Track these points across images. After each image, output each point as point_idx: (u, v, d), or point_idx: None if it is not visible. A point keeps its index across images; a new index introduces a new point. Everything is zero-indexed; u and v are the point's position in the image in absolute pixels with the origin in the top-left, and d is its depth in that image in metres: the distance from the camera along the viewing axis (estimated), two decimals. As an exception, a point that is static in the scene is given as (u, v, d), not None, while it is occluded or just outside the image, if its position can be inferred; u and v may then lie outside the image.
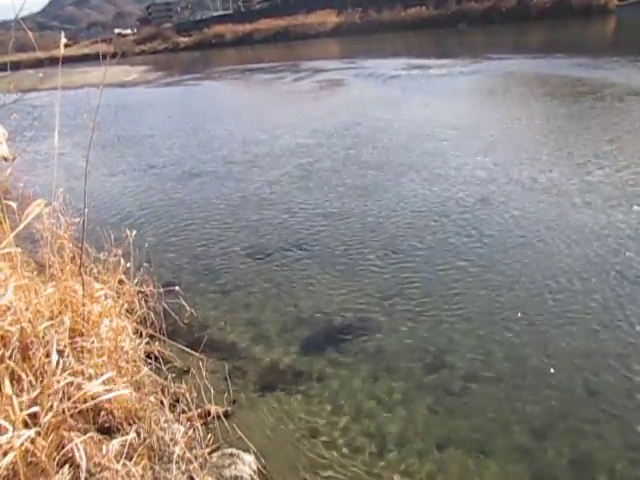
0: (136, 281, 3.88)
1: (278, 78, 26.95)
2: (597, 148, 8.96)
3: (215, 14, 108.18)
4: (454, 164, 8.74)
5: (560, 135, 10.12)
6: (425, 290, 5.07)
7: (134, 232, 3.72)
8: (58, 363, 2.64)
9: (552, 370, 3.83)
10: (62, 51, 3.13)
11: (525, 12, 51.90)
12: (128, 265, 3.74)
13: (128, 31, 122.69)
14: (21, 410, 2.21)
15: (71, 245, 3.52)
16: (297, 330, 4.64)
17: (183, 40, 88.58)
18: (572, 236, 5.87)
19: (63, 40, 3.11)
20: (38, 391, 2.41)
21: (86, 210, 3.40)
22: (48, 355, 2.69)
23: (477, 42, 38.76)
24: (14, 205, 3.22)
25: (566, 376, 3.77)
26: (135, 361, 3.17)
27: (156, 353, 3.81)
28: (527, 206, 6.80)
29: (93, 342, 2.83)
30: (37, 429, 2.24)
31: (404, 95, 17.08)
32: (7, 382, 2.37)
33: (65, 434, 2.40)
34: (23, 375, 2.49)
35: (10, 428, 2.08)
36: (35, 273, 4.04)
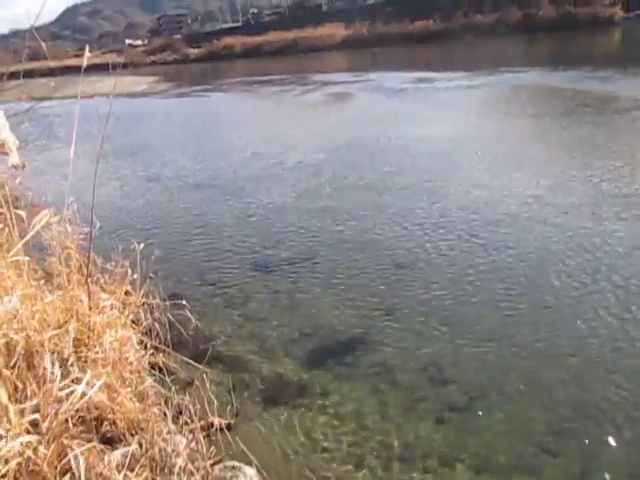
0: (142, 292, 3.89)
1: (286, 91, 27.13)
2: (606, 161, 8.93)
3: (225, 26, 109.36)
4: (462, 181, 8.69)
5: (569, 149, 10.11)
6: (430, 305, 5.04)
7: (142, 244, 3.74)
8: (62, 372, 2.65)
9: (561, 388, 3.79)
10: (85, 63, 3.17)
11: (531, 25, 52.20)
12: (134, 276, 3.75)
13: (139, 42, 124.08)
14: (22, 418, 2.22)
15: (78, 255, 3.54)
16: (301, 343, 4.62)
17: (193, 51, 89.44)
18: (583, 251, 5.83)
19: (87, 54, 3.15)
20: (41, 399, 2.41)
21: (94, 220, 3.43)
22: (53, 364, 2.70)
23: (484, 55, 38.94)
24: (23, 214, 3.24)
25: (575, 393, 3.73)
26: (139, 372, 3.17)
27: (160, 364, 3.81)
28: (536, 221, 6.77)
29: (98, 352, 2.84)
30: (38, 437, 2.24)
31: (411, 109, 17.14)
32: (8, 390, 2.38)
33: (67, 443, 2.40)
34: (27, 383, 2.50)
35: (9, 434, 2.09)
36: (42, 282, 4.05)
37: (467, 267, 5.70)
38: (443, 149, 10.90)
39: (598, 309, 4.69)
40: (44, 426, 2.29)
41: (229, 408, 3.65)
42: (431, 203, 7.72)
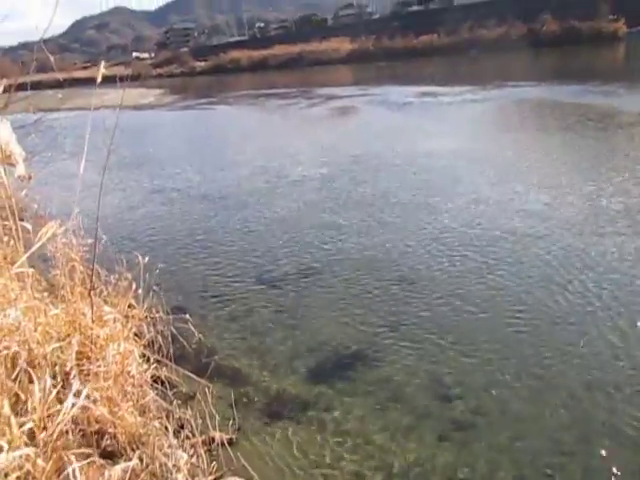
0: (145, 305, 3.89)
1: (292, 104, 27.31)
2: (610, 176, 8.93)
3: (231, 40, 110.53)
4: (466, 196, 8.67)
5: (572, 164, 10.11)
6: (435, 321, 5.02)
7: (146, 258, 3.74)
8: (64, 385, 2.65)
9: (565, 409, 3.75)
10: (99, 78, 3.20)
11: (535, 39, 52.48)
12: (138, 289, 3.75)
13: (146, 55, 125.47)
14: (22, 431, 2.21)
15: (82, 267, 3.55)
16: (304, 358, 4.60)
17: (199, 64, 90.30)
18: (588, 268, 5.80)
19: (102, 71, 3.18)
20: (41, 412, 2.41)
21: (99, 232, 3.44)
22: (55, 377, 2.69)
23: (488, 69, 39.16)
24: (29, 226, 3.26)
25: (579, 415, 3.69)
26: (141, 386, 3.16)
27: (162, 378, 3.79)
28: (540, 237, 6.75)
29: (100, 365, 2.84)
30: (36, 449, 2.23)
31: (416, 123, 17.20)
32: (10, 402, 2.38)
33: (66, 457, 2.39)
34: (28, 395, 2.49)
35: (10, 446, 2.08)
36: (46, 293, 4.06)
37: (471, 284, 5.68)
38: (447, 164, 10.92)
39: (602, 328, 4.65)
40: (42, 438, 2.29)
41: (231, 423, 3.63)
42: (434, 219, 7.71)
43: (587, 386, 3.94)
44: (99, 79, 3.22)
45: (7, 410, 2.17)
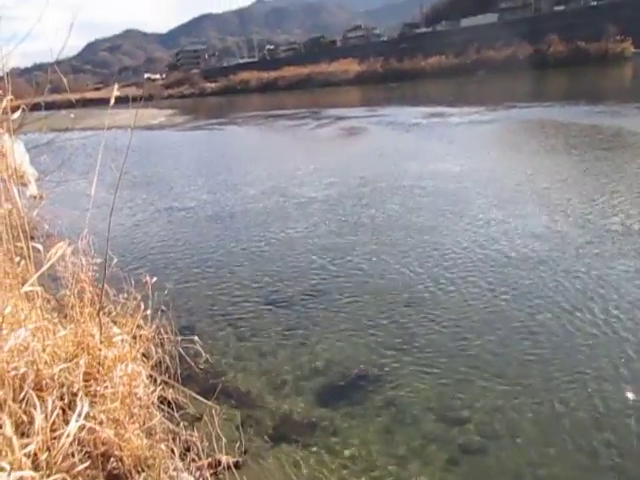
0: (153, 325, 3.89)
1: (300, 125, 27.55)
2: (617, 197, 8.89)
3: (241, 61, 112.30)
4: (473, 218, 8.64)
5: (580, 185, 10.09)
6: (444, 344, 4.97)
7: (154, 278, 3.76)
8: (70, 407, 2.63)
9: (575, 434, 3.68)
10: (113, 100, 3.25)
11: (542, 60, 52.92)
12: (147, 310, 3.76)
13: (157, 76, 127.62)
14: (24, 453, 2.19)
15: (91, 288, 3.57)
16: (311, 380, 4.57)
17: (209, 85, 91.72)
18: (594, 292, 5.75)
19: (115, 92, 3.24)
20: (46, 434, 2.39)
21: (108, 252, 3.46)
22: (62, 398, 2.68)
23: (496, 90, 39.40)
24: (40, 246, 3.28)
25: (589, 441, 3.62)
26: (148, 407, 3.14)
27: (169, 399, 3.77)
28: (546, 260, 6.71)
29: (107, 387, 2.83)
30: (39, 472, 2.21)
31: (424, 144, 17.29)
32: (16, 424, 2.37)
33: (71, 480, 2.37)
34: (35, 416, 2.48)
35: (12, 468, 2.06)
36: (55, 313, 4.07)
37: (478, 306, 5.64)
38: (454, 186, 10.91)
39: (612, 352, 4.59)
40: (45, 460, 2.27)
41: (237, 445, 3.59)
42: (441, 241, 7.67)
43: (595, 411, 3.87)
44: (112, 101, 3.26)
45: (9, 431, 2.16)
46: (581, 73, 41.60)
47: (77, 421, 2.44)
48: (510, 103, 25.83)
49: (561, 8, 67.95)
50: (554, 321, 5.17)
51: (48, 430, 2.39)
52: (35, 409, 2.43)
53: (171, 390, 3.87)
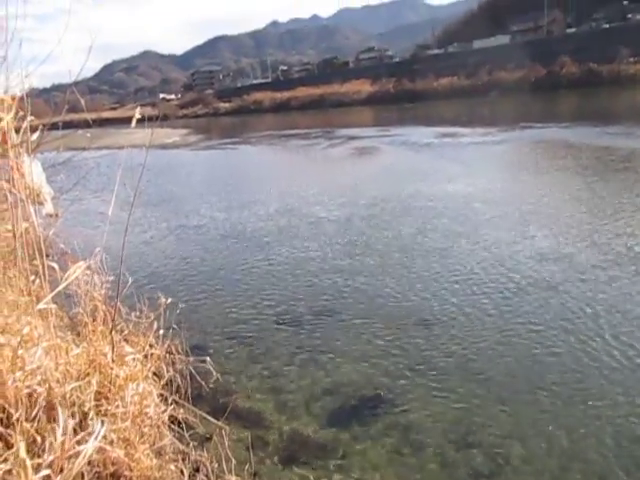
0: (165, 344, 3.90)
1: (313, 144, 27.75)
2: (630, 220, 8.80)
3: (255, 82, 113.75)
4: (487, 240, 8.57)
5: (592, 207, 10.00)
6: (454, 367, 4.92)
7: (169, 299, 3.78)
8: (81, 426, 2.64)
9: (592, 461, 3.61)
10: (135, 120, 3.31)
11: (555, 81, 52.93)
12: (159, 329, 3.77)
13: (172, 96, 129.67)
14: (37, 473, 2.19)
15: (104, 306, 3.59)
16: (322, 400, 4.53)
17: (223, 105, 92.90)
18: (606, 315, 5.67)
19: (137, 115, 3.30)
20: (58, 454, 2.39)
21: (122, 271, 3.49)
22: (73, 417, 2.69)
23: (508, 111, 39.43)
24: (55, 265, 3.32)
25: (608, 468, 3.55)
26: (158, 427, 3.13)
27: (180, 418, 3.76)
28: (560, 283, 6.64)
29: (118, 406, 2.83)
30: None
31: (436, 164, 17.29)
32: (27, 443, 2.38)
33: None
34: (46, 435, 2.49)
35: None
36: (67, 330, 4.10)
37: (490, 329, 5.58)
38: (465, 207, 10.87)
39: (624, 379, 4.51)
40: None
41: (247, 467, 3.56)
42: (452, 264, 7.62)
43: (609, 438, 3.80)
44: (134, 122, 3.32)
45: (23, 453, 2.17)
46: (593, 95, 41.57)
47: (90, 442, 2.44)
48: (522, 124, 25.85)
49: (573, 30, 68.27)
50: (566, 346, 5.10)
51: (60, 450, 2.39)
52: (47, 428, 2.44)
53: (181, 409, 3.86)
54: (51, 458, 2.30)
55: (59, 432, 2.34)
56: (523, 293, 6.37)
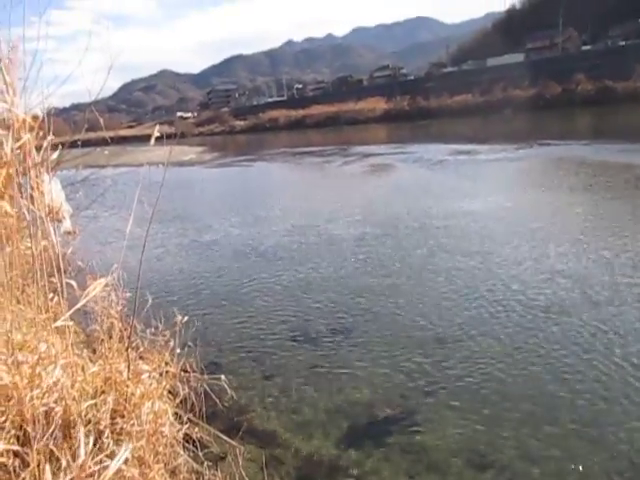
0: (180, 362, 3.89)
1: (328, 161, 27.88)
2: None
3: (270, 100, 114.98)
4: (503, 259, 8.48)
5: (609, 225, 9.86)
6: (471, 384, 4.85)
7: (185, 317, 3.79)
8: (96, 444, 2.63)
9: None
10: (153, 138, 3.35)
11: (570, 99, 52.71)
12: (176, 348, 3.77)
13: (189, 114, 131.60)
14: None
15: (121, 324, 3.60)
16: (337, 420, 4.48)
17: (239, 123, 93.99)
18: (626, 339, 5.56)
19: (156, 133, 3.34)
20: (74, 474, 2.38)
21: (139, 289, 3.50)
22: (89, 435, 2.68)
23: (523, 128, 39.32)
24: (73, 283, 3.34)
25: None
26: (173, 446, 3.12)
27: (194, 437, 3.74)
28: (578, 304, 6.53)
29: (134, 424, 2.82)
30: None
31: (451, 182, 17.25)
32: (49, 467, 2.37)
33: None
34: (62, 454, 2.48)
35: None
36: (84, 348, 4.12)
37: (508, 348, 5.50)
38: (480, 225, 10.78)
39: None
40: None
41: (261, 488, 3.52)
42: (469, 282, 7.54)
43: (629, 462, 3.70)
44: (152, 140, 3.36)
45: (49, 475, 2.16)
46: (609, 112, 41.26)
47: (116, 464, 2.42)
48: (537, 141, 25.73)
49: (588, 48, 68.19)
50: (582, 369, 4.99)
51: (79, 470, 2.38)
52: (63, 447, 2.43)
53: (196, 428, 3.84)
54: (69, 478, 2.29)
55: (80, 452, 2.34)
56: (538, 314, 6.27)
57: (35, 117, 3.33)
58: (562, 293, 6.79)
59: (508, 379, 4.90)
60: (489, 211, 11.92)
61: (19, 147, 2.95)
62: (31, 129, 3.00)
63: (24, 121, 2.94)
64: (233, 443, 3.84)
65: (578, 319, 6.01)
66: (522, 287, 7.13)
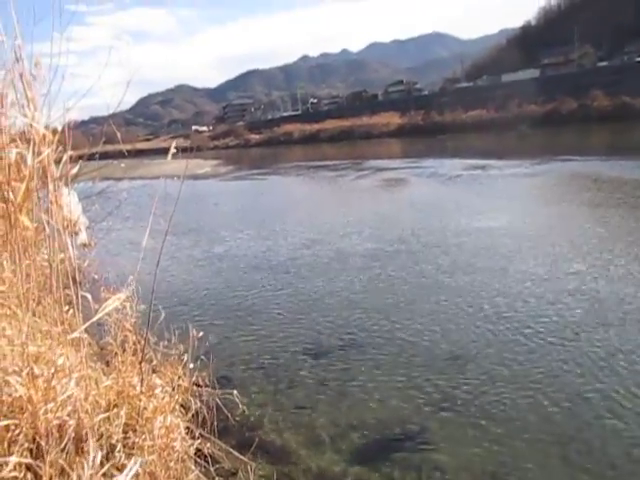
0: (193, 376, 3.89)
1: (341, 175, 27.94)
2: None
3: (285, 114, 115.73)
4: (519, 276, 8.39)
5: (626, 241, 9.74)
6: (485, 404, 4.78)
7: (200, 332, 3.79)
8: (108, 458, 2.62)
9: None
10: (171, 153, 3.38)
11: (586, 115, 52.34)
12: (189, 361, 3.77)
13: (204, 128, 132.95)
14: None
15: (134, 337, 3.62)
16: (350, 437, 4.44)
17: (254, 137, 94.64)
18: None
19: (173, 149, 3.38)
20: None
21: (153, 303, 3.51)
22: (101, 449, 2.68)
23: (538, 144, 39.10)
24: (88, 295, 3.36)
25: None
26: (184, 461, 3.10)
27: (205, 452, 3.72)
28: (594, 322, 6.45)
29: (145, 439, 2.81)
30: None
31: (465, 197, 17.18)
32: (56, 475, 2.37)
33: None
34: (74, 468, 2.48)
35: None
36: (97, 360, 4.13)
37: (522, 366, 5.43)
38: (495, 242, 10.66)
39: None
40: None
41: (272, 506, 3.48)
42: (482, 299, 7.47)
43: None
44: (169, 156, 3.39)
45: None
46: (626, 128, 40.89)
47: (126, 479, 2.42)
48: (552, 157, 25.58)
49: (604, 64, 67.88)
50: (600, 389, 4.90)
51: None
52: (75, 461, 2.43)
53: (207, 443, 3.81)
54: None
55: (87, 465, 2.33)
56: (554, 333, 6.19)
57: (55, 131, 3.38)
58: (578, 312, 6.69)
59: (521, 398, 4.83)
60: (503, 228, 11.83)
61: (39, 161, 2.98)
62: (51, 143, 3.04)
63: (44, 136, 2.98)
64: (244, 459, 3.81)
65: (595, 339, 5.92)
66: (536, 306, 7.04)
